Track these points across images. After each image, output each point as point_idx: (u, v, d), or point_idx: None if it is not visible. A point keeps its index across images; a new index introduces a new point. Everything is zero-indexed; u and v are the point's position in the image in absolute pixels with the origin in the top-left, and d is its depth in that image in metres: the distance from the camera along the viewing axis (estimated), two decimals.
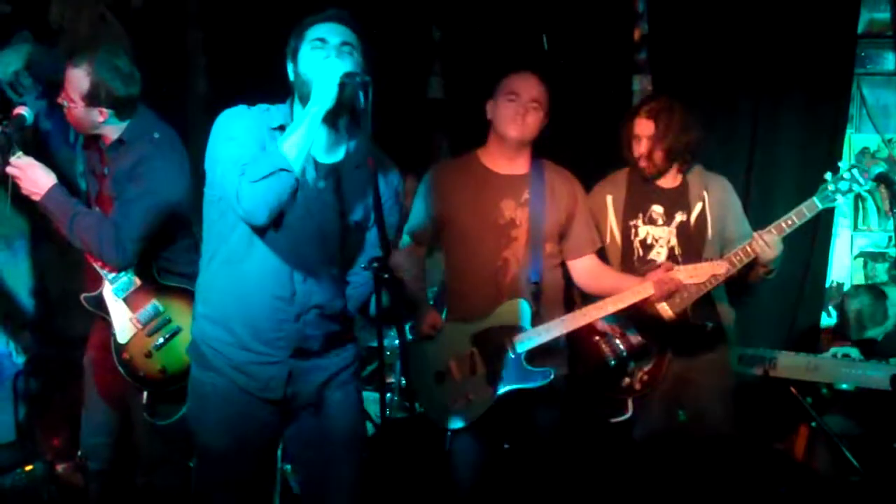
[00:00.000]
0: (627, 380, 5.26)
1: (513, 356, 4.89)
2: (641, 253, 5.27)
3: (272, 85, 3.95)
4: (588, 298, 5.09)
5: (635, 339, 5.25)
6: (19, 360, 5.95)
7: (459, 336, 4.95)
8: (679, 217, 5.25)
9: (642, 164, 5.21)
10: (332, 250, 3.89)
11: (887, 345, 5.81)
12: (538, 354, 4.90)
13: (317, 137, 3.68)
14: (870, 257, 6.67)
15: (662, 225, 5.26)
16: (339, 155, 3.87)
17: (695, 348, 5.22)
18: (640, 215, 5.28)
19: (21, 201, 4.80)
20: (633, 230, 5.28)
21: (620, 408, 5.26)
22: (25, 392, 6.04)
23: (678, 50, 6.47)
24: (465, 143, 5.19)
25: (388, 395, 5.91)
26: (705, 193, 5.25)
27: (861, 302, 6.00)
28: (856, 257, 6.66)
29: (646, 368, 5.24)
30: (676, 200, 5.27)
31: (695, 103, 6.34)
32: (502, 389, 4.88)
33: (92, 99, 4.67)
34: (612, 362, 5.27)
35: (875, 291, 6.02)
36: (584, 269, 5.10)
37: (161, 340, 4.75)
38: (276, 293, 3.84)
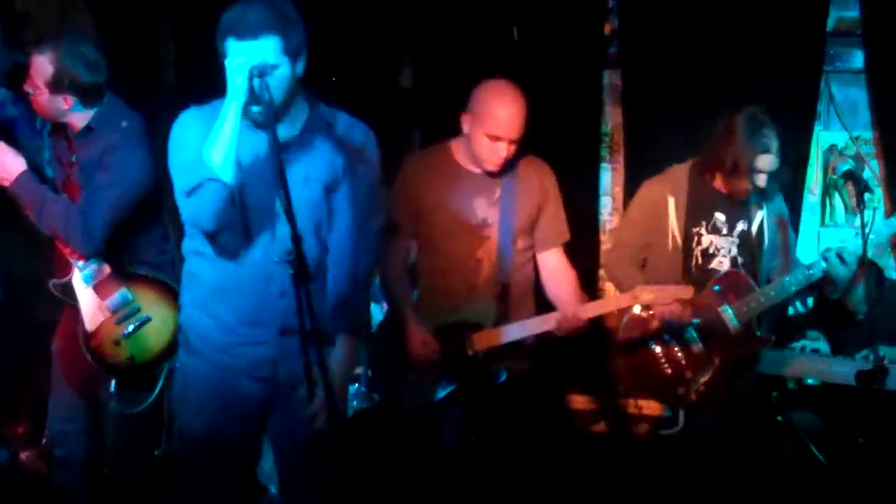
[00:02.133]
0: (682, 390, 5.18)
1: (470, 354, 4.89)
2: (700, 261, 5.21)
3: None
4: None
5: (696, 347, 5.17)
6: None
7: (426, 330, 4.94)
8: (741, 226, 5.21)
9: (746, 196, 5.14)
10: (303, 222, 3.79)
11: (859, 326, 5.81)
12: (502, 354, 4.90)
13: (269, 118, 3.59)
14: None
15: (726, 234, 5.21)
16: (295, 129, 3.83)
17: (751, 361, 5.23)
18: (704, 223, 5.21)
19: None
20: (695, 238, 5.20)
21: (672, 420, 5.25)
22: None
23: (648, 45, 6.48)
24: (436, 134, 5.18)
25: (356, 385, 5.90)
26: (764, 202, 5.22)
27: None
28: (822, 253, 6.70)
29: (703, 379, 5.16)
30: (739, 209, 5.21)
31: (664, 99, 6.42)
32: (450, 387, 4.91)
33: (56, 86, 4.64)
34: (668, 371, 5.20)
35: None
36: (546, 266, 5.06)
37: (130, 329, 4.73)
38: (254, 274, 3.82)
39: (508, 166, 4.90)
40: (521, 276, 5.01)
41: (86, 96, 4.71)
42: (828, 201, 6.72)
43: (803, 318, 6.02)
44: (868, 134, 6.57)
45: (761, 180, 5.07)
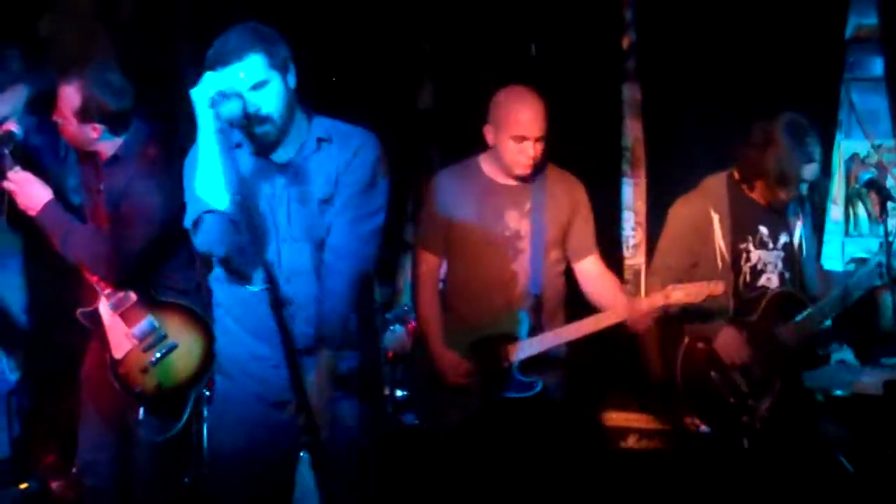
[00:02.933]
0: (746, 418, 5.10)
1: (506, 366, 4.89)
2: (749, 279, 5.17)
3: None
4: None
5: (757, 372, 5.10)
6: (13, 376, 5.92)
7: (457, 345, 4.94)
8: (783, 238, 5.18)
9: (784, 205, 5.13)
10: (313, 244, 3.85)
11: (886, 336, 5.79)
12: (536, 365, 4.90)
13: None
14: (861, 263, 6.67)
15: (772, 248, 5.18)
16: (290, 153, 3.83)
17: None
18: (750, 238, 5.16)
19: (16, 217, 4.81)
20: (744, 255, 5.15)
21: (736, 446, 5.13)
22: (19, 409, 6.00)
23: (666, 58, 6.49)
24: (457, 153, 5.18)
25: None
26: (801, 213, 5.21)
27: None
28: (847, 263, 6.66)
29: (766, 405, 5.09)
30: (779, 220, 5.19)
31: (684, 111, 6.41)
32: (494, 398, 4.90)
33: (84, 115, 4.67)
34: (731, 399, 5.13)
35: None
36: (586, 274, 5.06)
37: (157, 356, 4.74)
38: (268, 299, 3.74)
39: (538, 174, 4.92)
40: (554, 289, 5.02)
41: (114, 124, 4.74)
42: (851, 211, 6.69)
43: (829, 329, 6.01)
44: (889, 142, 6.55)
45: (805, 189, 5.05)
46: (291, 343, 3.50)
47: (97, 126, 4.71)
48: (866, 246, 6.56)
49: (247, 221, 3.66)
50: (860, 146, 6.68)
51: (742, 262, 5.16)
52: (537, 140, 4.78)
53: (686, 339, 5.20)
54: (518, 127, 4.77)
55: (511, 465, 5.01)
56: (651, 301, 4.88)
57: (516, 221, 4.93)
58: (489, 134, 4.88)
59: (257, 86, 3.64)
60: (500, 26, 6.61)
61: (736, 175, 5.20)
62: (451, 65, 6.74)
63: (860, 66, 6.62)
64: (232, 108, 3.55)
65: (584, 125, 6.49)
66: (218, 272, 3.92)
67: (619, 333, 4.96)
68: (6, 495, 5.71)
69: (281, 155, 3.80)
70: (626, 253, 6.88)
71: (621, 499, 5.54)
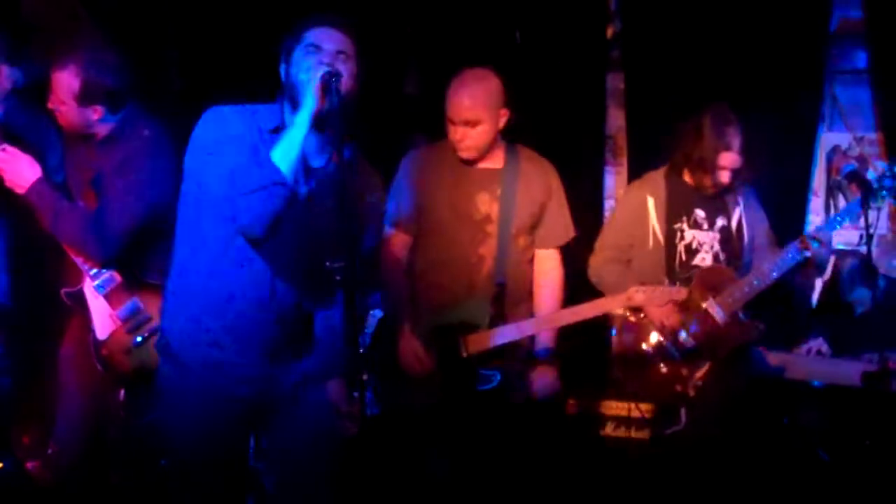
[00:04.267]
0: (679, 387, 5.22)
1: (464, 357, 4.88)
2: (684, 258, 5.30)
3: (247, 82, 3.93)
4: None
5: (688, 342, 5.20)
6: None
7: (420, 329, 4.91)
8: (720, 221, 5.31)
9: (712, 190, 5.25)
10: (315, 252, 3.81)
11: (862, 327, 5.83)
12: (496, 356, 4.90)
13: (307, 142, 3.63)
14: (841, 254, 6.70)
15: (707, 229, 5.30)
16: (323, 158, 3.81)
17: (741, 356, 5.28)
18: (685, 218, 5.31)
19: (2, 195, 4.79)
20: (678, 234, 5.30)
21: (673, 418, 5.25)
22: None
23: (651, 48, 6.50)
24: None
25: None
26: (740, 198, 5.33)
27: (853, 263, 6.07)
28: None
29: (699, 374, 5.20)
30: (716, 205, 5.32)
31: (667, 102, 6.41)
32: (453, 390, 4.90)
33: (85, 98, 4.66)
34: (663, 368, 5.24)
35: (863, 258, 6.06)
36: (539, 263, 5.07)
37: (141, 338, 4.73)
38: (256, 295, 3.79)
39: (508, 159, 4.94)
40: (519, 277, 5.00)
41: (114, 104, 4.74)
42: (832, 202, 6.72)
43: (807, 321, 6.05)
44: (871, 134, 6.59)
45: (724, 176, 5.19)
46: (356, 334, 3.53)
47: (98, 108, 4.70)
48: (847, 238, 6.60)
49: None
50: (842, 138, 6.72)
51: (676, 241, 5.31)
52: (466, 124, 4.77)
53: (619, 313, 5.28)
54: (450, 109, 4.81)
55: (472, 457, 5.02)
56: (613, 301, 4.94)
57: (487, 205, 4.92)
58: None
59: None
60: (485, 13, 6.59)
61: (670, 164, 5.38)
62: (435, 51, 6.72)
63: (843, 58, 6.65)
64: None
65: (567, 113, 6.51)
66: (201, 255, 3.83)
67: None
68: None
69: (315, 161, 3.80)
70: None
71: (587, 490, 5.57)
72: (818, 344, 5.90)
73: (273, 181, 3.54)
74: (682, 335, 5.21)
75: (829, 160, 6.70)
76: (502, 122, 4.85)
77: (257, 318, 3.81)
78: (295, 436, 3.94)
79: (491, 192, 4.92)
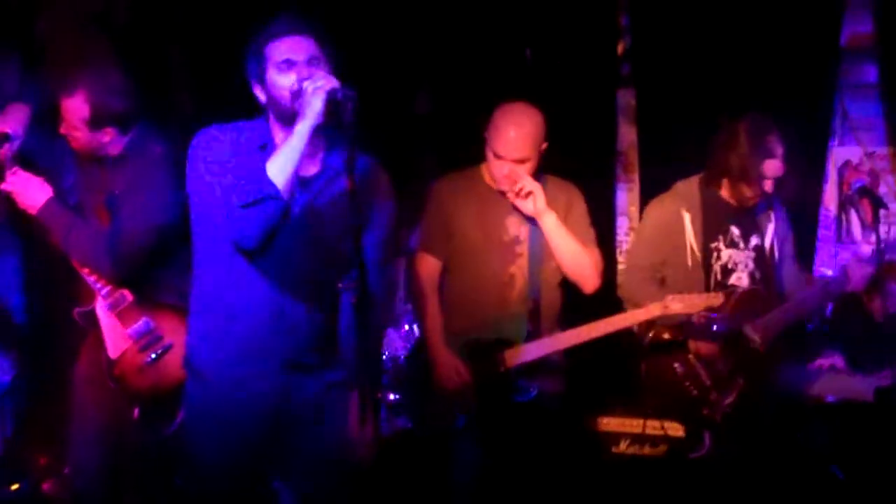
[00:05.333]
0: (707, 411, 5.15)
1: (502, 371, 4.90)
2: (720, 277, 5.22)
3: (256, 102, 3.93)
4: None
5: (721, 366, 5.15)
6: (6, 377, 5.92)
7: (455, 350, 4.94)
8: (755, 240, 5.24)
9: (752, 202, 5.17)
10: (319, 263, 3.83)
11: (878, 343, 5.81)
12: (532, 371, 4.91)
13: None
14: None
15: (742, 248, 5.23)
16: (315, 167, 3.81)
17: (773, 381, 5.23)
18: (721, 237, 5.23)
19: (14, 218, 4.82)
20: (714, 253, 5.22)
21: (697, 441, 5.21)
22: (12, 409, 6.00)
23: (662, 64, 6.51)
24: (453, 160, 5.20)
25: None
26: (773, 214, 5.27)
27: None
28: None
29: (728, 400, 5.13)
30: (751, 222, 5.25)
31: (678, 117, 6.42)
32: (490, 404, 4.90)
33: (96, 122, 4.67)
34: (693, 391, 5.18)
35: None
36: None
37: (153, 357, 4.74)
38: (266, 307, 3.79)
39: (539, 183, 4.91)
40: (552, 296, 5.01)
41: (124, 124, 4.75)
42: (843, 218, 6.72)
43: (821, 336, 6.03)
44: (883, 149, 6.58)
45: (768, 186, 5.09)
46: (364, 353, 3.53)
47: (109, 130, 4.72)
48: (859, 253, 6.59)
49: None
50: (853, 153, 6.71)
51: (713, 261, 5.22)
52: (516, 161, 4.78)
53: (653, 331, 5.26)
54: (498, 145, 4.79)
55: (506, 470, 5.02)
56: (648, 311, 4.92)
57: (516, 227, 4.94)
58: (486, 143, 4.90)
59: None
60: (496, 32, 6.61)
61: (706, 176, 5.27)
62: (447, 70, 6.74)
63: (854, 73, 6.65)
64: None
65: (579, 130, 6.49)
66: (214, 270, 3.85)
67: (615, 339, 4.98)
68: None
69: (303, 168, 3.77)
70: (620, 258, 6.90)
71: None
72: (833, 359, 5.88)
73: (267, 195, 3.54)
74: (718, 362, 5.15)
75: (841, 175, 6.70)
76: (541, 155, 4.88)
77: (268, 334, 3.81)
78: (318, 448, 3.93)
79: (519, 214, 4.93)
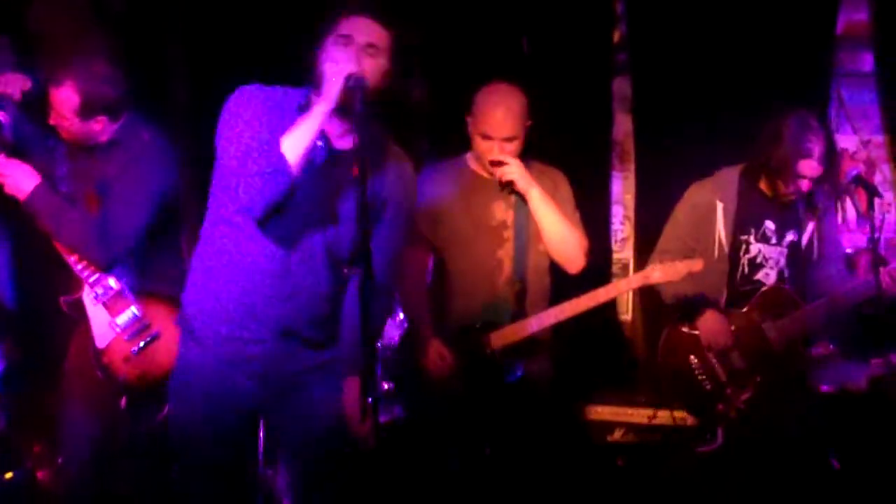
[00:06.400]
0: (722, 406, 5.15)
1: (488, 353, 4.91)
2: (746, 271, 5.20)
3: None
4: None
5: (737, 362, 5.16)
6: None
7: (444, 337, 4.96)
8: (790, 236, 5.20)
9: (789, 198, 5.13)
10: (334, 236, 3.83)
11: (870, 330, 5.79)
12: (519, 352, 4.92)
13: (331, 125, 3.67)
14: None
15: (775, 244, 5.20)
16: (348, 143, 3.75)
17: (800, 382, 5.20)
18: (753, 231, 5.20)
19: (3, 207, 4.81)
20: (743, 246, 5.20)
21: (709, 435, 5.19)
22: (5, 398, 6.00)
23: (657, 52, 6.49)
24: (448, 149, 5.20)
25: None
26: (815, 213, 5.22)
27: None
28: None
29: (743, 396, 5.13)
30: (789, 217, 5.21)
31: (674, 106, 6.41)
32: (477, 385, 4.92)
33: (86, 112, 4.66)
34: (707, 385, 5.19)
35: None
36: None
37: (140, 345, 4.74)
38: (270, 269, 3.79)
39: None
40: (540, 280, 5.02)
41: (114, 112, 4.75)
42: (839, 206, 6.70)
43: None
44: (878, 137, 6.57)
45: (803, 185, 5.05)
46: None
47: (99, 118, 4.72)
48: (854, 241, 6.57)
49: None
50: (849, 141, 6.70)
51: (740, 254, 5.20)
52: (505, 140, 4.80)
53: (671, 322, 5.27)
54: (485, 125, 4.81)
55: (497, 454, 5.03)
56: (629, 281, 4.94)
57: (502, 212, 4.96)
58: (468, 126, 4.93)
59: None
60: (491, 19, 6.59)
61: (747, 167, 5.26)
62: (441, 57, 6.71)
63: (850, 61, 6.63)
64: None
65: (574, 118, 6.50)
66: (228, 224, 3.84)
67: (601, 323, 4.99)
68: None
69: (342, 142, 3.81)
70: (615, 246, 6.89)
71: (605, 490, 5.55)
72: (826, 347, 5.86)
73: (275, 168, 3.57)
74: (733, 354, 5.15)
75: (836, 164, 6.67)
76: (527, 133, 4.89)
77: (270, 293, 3.81)
78: (307, 423, 3.94)
79: (506, 200, 4.96)
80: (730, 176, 5.27)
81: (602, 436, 5.91)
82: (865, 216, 5.68)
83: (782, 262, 5.20)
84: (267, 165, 3.58)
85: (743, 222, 5.19)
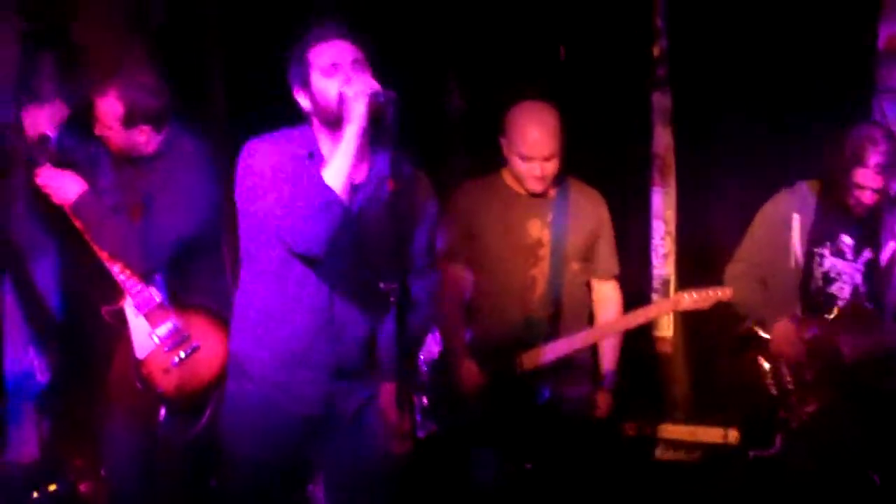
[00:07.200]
0: (784, 413, 5.09)
1: (518, 374, 4.92)
2: (821, 283, 5.13)
3: (292, 105, 3.93)
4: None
5: (808, 374, 5.08)
6: (43, 378, 5.96)
7: (478, 355, 4.98)
8: (867, 254, 5.12)
9: (858, 210, 5.03)
10: (367, 268, 3.85)
11: None
12: (553, 374, 4.91)
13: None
14: None
15: (850, 260, 5.13)
16: (363, 173, 3.83)
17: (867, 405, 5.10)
18: (828, 244, 5.13)
19: (50, 217, 4.87)
20: (817, 258, 5.13)
21: (767, 441, 5.11)
22: (48, 410, 6.04)
23: (698, 66, 6.46)
24: (485, 157, 5.19)
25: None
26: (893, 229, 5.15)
27: None
28: None
29: (808, 409, 5.06)
30: (867, 233, 5.13)
31: (714, 120, 6.38)
32: (506, 405, 4.94)
33: (130, 121, 4.73)
34: (773, 390, 5.13)
35: None
36: (599, 296, 5.13)
37: (179, 357, 4.77)
38: (314, 315, 3.83)
39: (560, 187, 4.96)
40: (575, 301, 5.03)
41: (158, 121, 4.80)
42: None
43: None
44: None
45: (865, 197, 4.96)
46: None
47: (143, 128, 4.77)
48: None
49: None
50: None
51: (814, 266, 5.13)
52: (545, 159, 4.80)
53: (747, 326, 5.21)
54: (524, 146, 4.80)
55: (527, 475, 5.06)
56: (659, 307, 4.93)
57: (538, 230, 4.96)
58: (504, 148, 4.92)
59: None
60: (529, 32, 6.59)
61: (822, 180, 5.18)
62: (479, 71, 6.73)
63: (892, 76, 6.57)
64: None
65: (614, 133, 6.47)
66: (263, 276, 3.87)
67: (642, 346, 4.97)
68: (35, 497, 5.74)
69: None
70: (655, 262, 6.84)
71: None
72: None
73: (329, 200, 3.57)
74: (804, 368, 5.08)
75: None
76: (563, 152, 4.88)
77: (317, 337, 3.85)
78: (355, 456, 3.97)
79: (542, 218, 4.97)
80: (807, 188, 5.21)
81: (638, 452, 5.88)
82: None
83: (858, 278, 5.13)
84: (320, 201, 3.57)
85: (818, 235, 5.12)
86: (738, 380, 5.23)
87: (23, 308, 5.89)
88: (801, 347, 5.07)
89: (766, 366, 5.14)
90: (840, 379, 5.04)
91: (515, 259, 4.96)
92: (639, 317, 4.96)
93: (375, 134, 3.68)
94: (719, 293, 4.84)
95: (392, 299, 3.61)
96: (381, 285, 3.77)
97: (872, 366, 5.05)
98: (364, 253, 3.82)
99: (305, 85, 3.75)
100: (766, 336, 5.15)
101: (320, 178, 3.58)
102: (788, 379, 5.10)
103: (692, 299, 4.83)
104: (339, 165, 3.59)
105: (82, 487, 5.85)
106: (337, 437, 3.97)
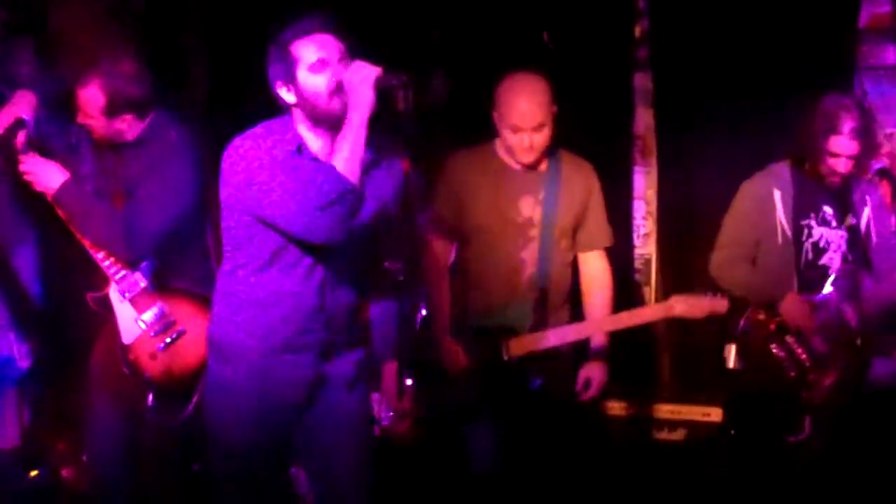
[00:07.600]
0: (807, 394, 5.10)
1: (505, 360, 4.90)
2: (811, 256, 5.18)
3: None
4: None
5: (820, 346, 5.12)
6: (24, 363, 5.94)
7: (462, 334, 4.95)
8: (849, 219, 5.17)
9: (833, 179, 5.08)
10: (359, 251, 3.86)
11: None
12: (538, 360, 4.91)
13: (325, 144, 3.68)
14: None
15: (835, 227, 5.17)
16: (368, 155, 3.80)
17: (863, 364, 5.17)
18: (813, 215, 5.17)
19: (31, 205, 4.84)
20: (805, 230, 5.17)
21: (797, 426, 5.14)
22: (30, 396, 6.02)
23: (679, 47, 6.47)
24: (468, 143, 5.17)
25: None
26: (868, 198, 5.21)
27: None
28: None
29: (827, 381, 5.08)
30: (845, 201, 5.18)
31: (695, 100, 6.39)
32: (492, 391, 4.92)
33: (112, 111, 4.72)
34: (792, 373, 5.14)
35: None
36: (587, 267, 5.08)
37: (166, 342, 4.76)
38: (305, 302, 3.83)
39: (552, 160, 4.94)
40: (561, 282, 5.01)
41: (140, 110, 4.80)
42: None
43: None
44: None
45: (840, 165, 5.01)
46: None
47: (126, 116, 4.76)
48: None
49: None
50: None
51: (804, 238, 5.17)
52: (535, 129, 4.76)
53: (747, 312, 5.22)
54: (514, 117, 4.76)
55: (519, 459, 5.04)
56: (653, 312, 4.97)
57: (530, 208, 4.92)
58: (496, 122, 4.88)
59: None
60: (512, 13, 6.57)
61: (795, 155, 5.22)
62: (461, 52, 6.71)
63: (873, 54, 6.59)
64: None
65: (595, 113, 6.47)
66: (251, 263, 3.85)
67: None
68: (17, 483, 5.72)
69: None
70: (637, 242, 6.86)
71: (622, 495, 5.54)
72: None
73: (346, 189, 3.57)
74: (815, 338, 5.12)
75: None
76: (553, 123, 4.87)
77: (307, 322, 3.86)
78: (335, 439, 3.98)
79: (534, 195, 4.92)
80: (780, 167, 5.24)
81: (623, 433, 5.88)
82: (890, 209, 5.64)
83: (843, 246, 5.18)
84: (337, 191, 3.56)
85: (802, 207, 5.16)
86: (754, 370, 5.22)
87: (3, 294, 5.86)
88: (813, 318, 5.11)
89: (777, 349, 5.16)
90: (851, 345, 5.09)
91: (506, 239, 4.91)
92: (631, 319, 4.96)
93: (385, 117, 3.67)
94: (716, 305, 4.83)
95: (399, 278, 3.62)
96: (387, 264, 3.78)
97: (877, 327, 5.13)
98: (358, 239, 3.81)
99: (290, 80, 3.70)
100: (770, 320, 5.17)
101: (333, 168, 3.57)
102: (804, 357, 5.12)
103: (686, 306, 4.82)
104: (349, 154, 3.57)
105: (64, 473, 5.83)
106: (321, 413, 3.96)
